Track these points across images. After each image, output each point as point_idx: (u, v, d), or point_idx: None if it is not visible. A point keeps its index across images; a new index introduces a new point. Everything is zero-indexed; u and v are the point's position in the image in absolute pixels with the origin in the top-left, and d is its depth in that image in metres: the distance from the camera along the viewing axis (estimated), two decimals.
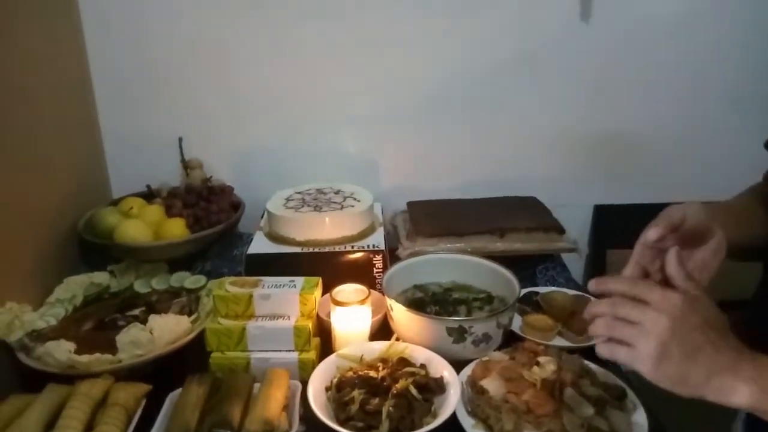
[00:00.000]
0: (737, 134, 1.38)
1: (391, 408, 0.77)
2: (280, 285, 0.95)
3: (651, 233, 0.65)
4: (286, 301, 0.93)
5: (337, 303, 0.91)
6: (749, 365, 0.55)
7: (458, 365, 0.88)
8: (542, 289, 1.07)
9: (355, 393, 0.79)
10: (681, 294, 0.57)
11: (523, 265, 1.18)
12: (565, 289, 1.09)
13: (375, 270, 1.09)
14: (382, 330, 0.98)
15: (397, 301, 1.02)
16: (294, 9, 1.25)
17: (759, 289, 0.80)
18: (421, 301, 1.03)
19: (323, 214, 1.13)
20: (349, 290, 0.95)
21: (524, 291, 1.06)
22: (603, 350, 0.60)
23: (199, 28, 1.26)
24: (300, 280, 0.97)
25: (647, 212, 1.39)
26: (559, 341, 0.96)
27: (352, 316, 0.92)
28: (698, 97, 1.34)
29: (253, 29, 1.26)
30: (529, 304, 1.03)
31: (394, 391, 0.79)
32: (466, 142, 1.37)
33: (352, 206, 1.17)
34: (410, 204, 1.31)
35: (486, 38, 1.29)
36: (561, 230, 1.16)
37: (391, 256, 1.13)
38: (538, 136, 1.37)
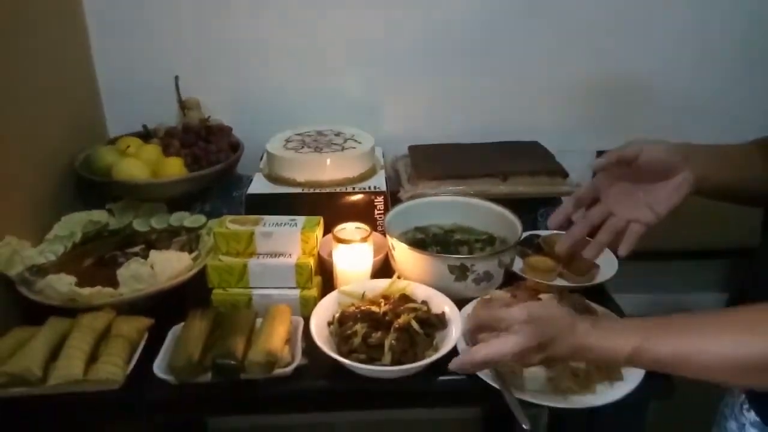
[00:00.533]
0: (752, 91, 1.35)
1: (393, 341, 0.78)
2: (282, 223, 0.95)
3: (597, 161, 0.74)
4: (287, 239, 0.93)
5: (339, 240, 0.91)
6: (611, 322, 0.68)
7: (460, 303, 0.88)
8: (543, 233, 1.07)
9: (358, 326, 0.80)
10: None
11: (525, 209, 1.17)
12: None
13: (376, 211, 1.08)
14: (383, 271, 0.98)
15: (399, 240, 1.03)
16: None
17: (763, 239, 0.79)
18: (422, 242, 1.03)
19: (324, 155, 1.12)
20: (350, 229, 0.94)
21: (526, 234, 1.05)
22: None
23: None
24: (301, 219, 0.96)
25: None
26: (560, 282, 0.97)
27: (354, 254, 0.91)
28: (712, 47, 1.31)
29: None
30: (531, 246, 1.03)
31: (396, 325, 0.80)
32: (468, 87, 1.34)
33: (353, 148, 1.15)
34: (411, 148, 1.29)
35: None
36: (565, 174, 1.15)
37: (393, 199, 1.12)
38: (540, 82, 1.33)
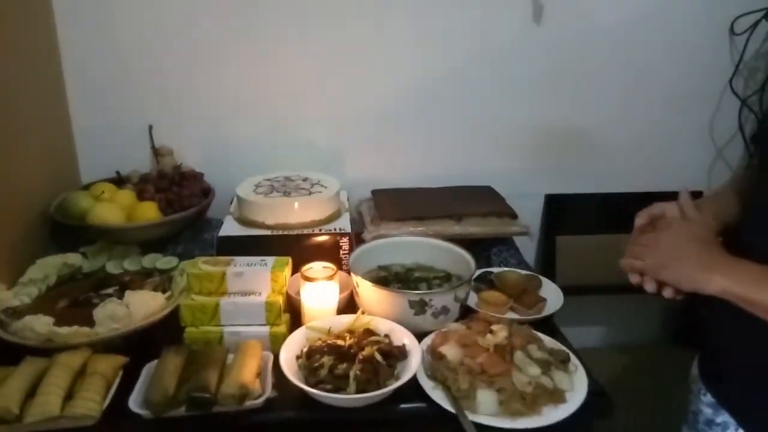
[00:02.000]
0: (677, 131, 1.51)
1: (358, 372, 0.84)
2: (252, 264, 1.01)
3: (637, 221, 0.89)
4: (257, 279, 0.99)
5: (307, 279, 0.97)
6: (723, 264, 0.76)
7: (419, 336, 0.95)
8: (496, 269, 1.16)
9: (325, 359, 0.86)
10: (677, 219, 0.83)
11: (479, 248, 1.27)
12: (517, 269, 1.18)
13: (341, 251, 1.15)
14: (349, 307, 1.05)
15: (363, 278, 1.10)
16: (265, 8, 1.30)
17: None
18: (384, 280, 1.10)
19: (292, 199, 1.19)
20: (317, 268, 1.01)
21: (480, 271, 1.15)
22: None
23: (172, 18, 1.29)
24: (271, 260, 1.02)
25: (593, 201, 1.53)
26: (511, 315, 1.05)
27: (320, 292, 0.98)
28: (642, 95, 1.46)
29: (223, 22, 1.30)
30: (484, 282, 1.12)
31: (361, 357, 0.86)
32: (427, 135, 1.45)
33: (320, 192, 1.23)
34: (375, 192, 1.38)
35: (447, 40, 1.37)
36: (514, 215, 1.25)
37: (357, 239, 1.20)
38: (494, 131, 1.46)
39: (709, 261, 0.77)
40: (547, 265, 1.50)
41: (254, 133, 1.39)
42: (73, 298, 1.02)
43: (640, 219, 0.89)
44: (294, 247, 1.14)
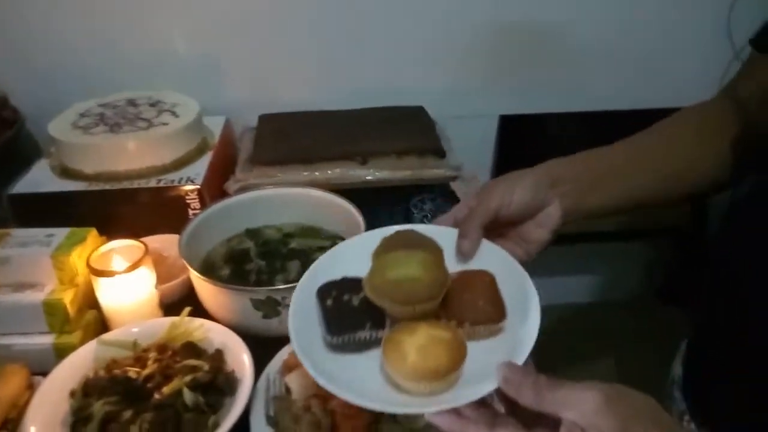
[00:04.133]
0: (680, 26, 1.11)
1: (146, 425, 0.54)
2: (29, 242, 0.68)
3: (464, 246, 0.52)
4: (33, 266, 0.67)
5: (96, 272, 0.65)
6: None
7: (277, 342, 0.65)
8: (330, 263, 0.54)
9: (98, 405, 0.56)
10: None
11: (398, 198, 0.93)
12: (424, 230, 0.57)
13: (191, 211, 0.82)
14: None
15: (213, 254, 0.78)
16: None
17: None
18: (245, 254, 0.78)
19: (122, 137, 0.84)
20: (122, 249, 0.68)
21: (313, 281, 0.51)
22: None
23: None
24: (61, 234, 0.70)
25: (564, 123, 1.17)
26: (477, 358, 0.60)
27: (123, 287, 0.66)
28: None
29: None
30: (351, 320, 0.55)
31: (156, 399, 0.56)
32: (340, 39, 1.07)
33: (165, 124, 0.87)
34: (262, 119, 1.02)
35: None
36: (440, 152, 0.90)
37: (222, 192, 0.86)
38: (430, 32, 1.07)
39: None
40: None
41: (95, 37, 1.00)
42: None
43: (467, 244, 0.52)
44: (125, 208, 0.81)
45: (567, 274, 1.40)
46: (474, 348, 0.45)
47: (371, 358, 0.46)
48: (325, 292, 0.49)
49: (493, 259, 0.52)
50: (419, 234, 0.53)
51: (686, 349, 0.66)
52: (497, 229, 0.56)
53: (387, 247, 0.52)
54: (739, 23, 1.12)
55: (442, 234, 0.53)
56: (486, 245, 0.53)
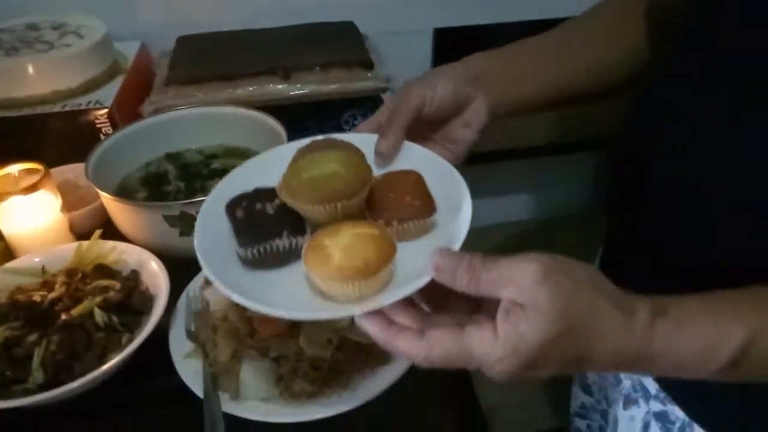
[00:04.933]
0: None
1: (53, 347, 0.51)
2: None
3: (383, 147, 0.49)
4: None
5: None
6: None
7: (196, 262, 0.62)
8: (245, 177, 0.50)
9: (1, 329, 0.53)
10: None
11: (328, 114, 0.90)
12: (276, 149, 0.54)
13: (103, 137, 0.77)
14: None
15: (129, 179, 0.74)
16: None
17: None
18: (162, 177, 0.74)
19: (19, 59, 0.77)
20: (21, 173, 0.64)
21: (223, 195, 0.48)
22: None
23: None
24: None
25: (500, 35, 1.13)
26: (408, 258, 0.52)
27: (24, 211, 0.62)
28: None
29: None
30: (265, 229, 0.58)
31: (63, 320, 0.53)
32: None
33: (68, 45, 0.80)
34: (180, 40, 0.95)
35: None
36: (368, 64, 0.86)
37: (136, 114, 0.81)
38: None
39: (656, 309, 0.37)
40: None
41: None
42: None
43: (385, 145, 0.49)
44: (29, 137, 0.76)
45: (514, 192, 1.40)
46: (404, 248, 0.41)
47: (293, 274, 0.42)
48: (234, 204, 0.45)
49: (418, 158, 0.49)
50: (338, 140, 0.50)
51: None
52: (422, 131, 0.53)
53: (303, 154, 0.49)
54: None
55: (364, 141, 0.50)
56: (409, 146, 0.50)
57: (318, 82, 0.84)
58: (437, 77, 0.53)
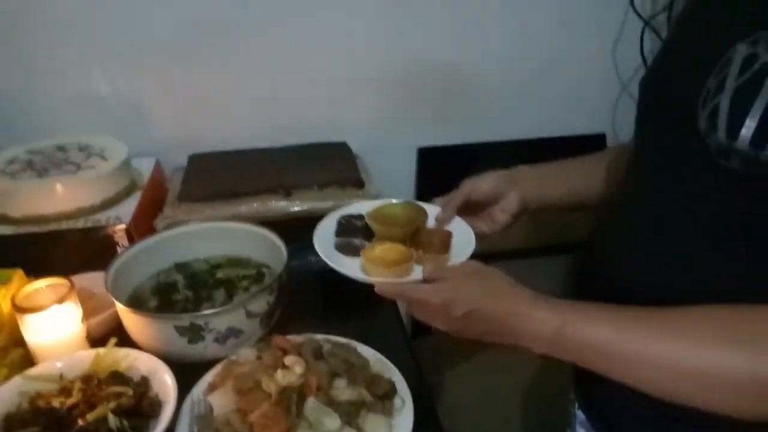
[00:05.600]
0: (575, 63, 1.24)
1: None
2: None
3: (443, 217, 0.76)
4: None
5: (19, 309, 0.67)
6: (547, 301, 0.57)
7: (202, 367, 0.69)
8: (357, 208, 0.79)
9: None
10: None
11: None
12: (383, 201, 0.80)
13: (120, 249, 0.85)
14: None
15: (141, 288, 0.81)
16: None
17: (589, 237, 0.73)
18: (172, 286, 0.82)
19: (48, 180, 0.87)
20: (47, 287, 0.71)
21: (335, 215, 0.77)
22: None
23: None
24: None
25: (476, 153, 1.26)
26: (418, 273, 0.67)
27: (49, 322, 0.68)
28: (525, 25, 1.17)
29: None
30: (356, 233, 0.75)
31: (79, 426, 0.58)
32: (264, 80, 1.13)
33: (93, 167, 0.91)
34: (192, 158, 1.06)
35: None
36: (359, 183, 0.97)
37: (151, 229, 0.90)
38: (347, 71, 1.14)
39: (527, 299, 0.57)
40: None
41: (17, 85, 1.03)
42: None
43: (444, 214, 0.77)
44: (53, 250, 0.84)
45: None
46: (419, 269, 0.68)
47: (358, 260, 0.70)
48: (342, 217, 0.78)
49: (458, 224, 0.75)
50: (415, 203, 0.79)
51: None
52: (472, 209, 0.77)
53: (391, 204, 0.79)
54: (623, 57, 1.26)
55: (434, 210, 0.78)
56: (457, 219, 0.76)
57: (315, 199, 0.94)
58: (485, 176, 0.78)
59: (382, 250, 0.69)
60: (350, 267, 0.69)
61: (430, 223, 0.76)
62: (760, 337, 0.45)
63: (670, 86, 0.56)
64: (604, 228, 0.65)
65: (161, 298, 0.79)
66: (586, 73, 1.25)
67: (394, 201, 0.79)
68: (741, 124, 0.45)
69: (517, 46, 1.20)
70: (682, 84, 0.53)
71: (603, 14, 1.21)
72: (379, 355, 0.72)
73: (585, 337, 0.52)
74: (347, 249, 0.73)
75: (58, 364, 0.66)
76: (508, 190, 0.76)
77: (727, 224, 0.50)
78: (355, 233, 0.74)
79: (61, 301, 0.68)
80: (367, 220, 0.74)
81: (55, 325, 0.68)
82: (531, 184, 0.77)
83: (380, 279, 0.65)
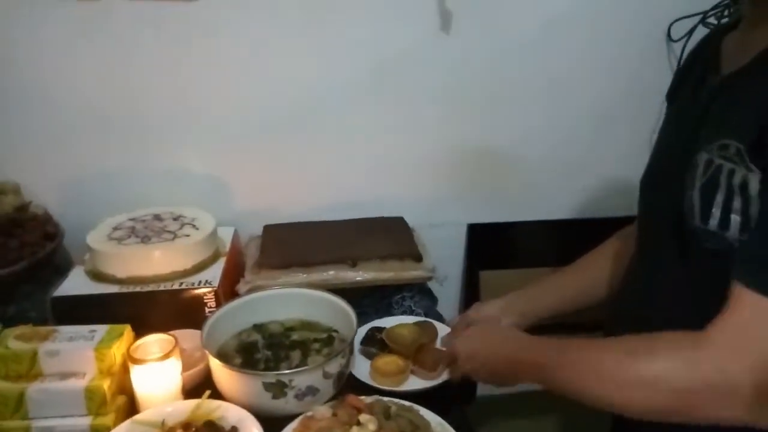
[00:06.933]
0: (607, 151, 1.35)
1: None
2: (75, 337, 0.81)
3: (445, 339, 0.97)
4: (78, 358, 0.80)
5: (134, 360, 0.78)
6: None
7: (282, 421, 0.78)
8: (384, 322, 1.00)
9: None
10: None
11: (382, 295, 1.09)
12: (406, 318, 1.03)
13: (208, 310, 0.96)
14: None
15: (226, 346, 0.91)
16: (128, 18, 1.10)
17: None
18: (253, 346, 0.92)
19: (149, 246, 1.00)
20: (154, 342, 0.82)
21: (368, 326, 0.98)
22: None
23: (16, 37, 1.08)
24: (102, 330, 0.83)
25: (521, 231, 1.36)
26: (414, 382, 0.89)
27: (155, 374, 0.79)
28: (566, 113, 1.30)
29: (74, 32, 1.10)
30: (374, 343, 0.94)
31: None
32: (330, 160, 1.27)
33: (187, 236, 1.04)
34: (267, 228, 1.19)
35: (346, 53, 1.18)
36: (417, 257, 1.07)
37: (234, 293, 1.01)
38: (405, 153, 1.27)
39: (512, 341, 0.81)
40: (471, 304, 1.33)
41: (121, 163, 1.19)
42: None
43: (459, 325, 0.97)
44: (151, 307, 0.95)
45: None
46: (414, 378, 0.89)
47: None
48: (371, 329, 0.98)
49: None
50: (429, 322, 1.01)
51: None
52: None
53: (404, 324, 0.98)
54: None
55: (443, 329, 0.99)
56: None
57: (377, 270, 1.05)
58: (484, 305, 0.99)
59: (384, 362, 0.89)
60: (362, 370, 0.90)
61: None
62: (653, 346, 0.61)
63: (657, 185, 0.77)
64: (616, 309, 0.81)
65: (244, 356, 0.89)
66: (625, 161, 1.35)
67: (410, 321, 1.00)
68: (709, 214, 0.61)
69: (559, 135, 1.32)
70: (666, 183, 0.71)
71: (642, 104, 1.32)
72: (439, 419, 0.79)
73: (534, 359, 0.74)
74: (366, 354, 0.94)
75: (168, 409, 0.76)
76: (502, 318, 0.95)
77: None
78: (374, 344, 0.94)
79: (168, 355, 0.78)
80: (383, 335, 0.94)
81: (160, 376, 0.79)
82: (521, 309, 0.96)
83: (377, 385, 0.86)
